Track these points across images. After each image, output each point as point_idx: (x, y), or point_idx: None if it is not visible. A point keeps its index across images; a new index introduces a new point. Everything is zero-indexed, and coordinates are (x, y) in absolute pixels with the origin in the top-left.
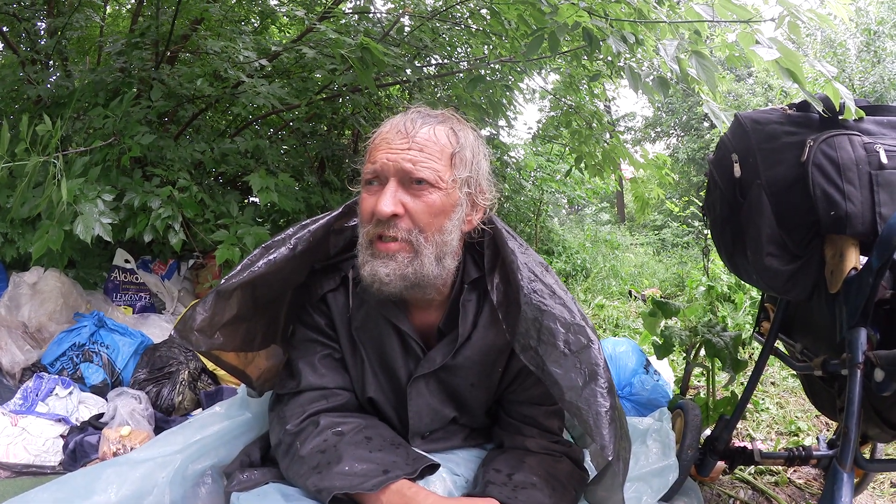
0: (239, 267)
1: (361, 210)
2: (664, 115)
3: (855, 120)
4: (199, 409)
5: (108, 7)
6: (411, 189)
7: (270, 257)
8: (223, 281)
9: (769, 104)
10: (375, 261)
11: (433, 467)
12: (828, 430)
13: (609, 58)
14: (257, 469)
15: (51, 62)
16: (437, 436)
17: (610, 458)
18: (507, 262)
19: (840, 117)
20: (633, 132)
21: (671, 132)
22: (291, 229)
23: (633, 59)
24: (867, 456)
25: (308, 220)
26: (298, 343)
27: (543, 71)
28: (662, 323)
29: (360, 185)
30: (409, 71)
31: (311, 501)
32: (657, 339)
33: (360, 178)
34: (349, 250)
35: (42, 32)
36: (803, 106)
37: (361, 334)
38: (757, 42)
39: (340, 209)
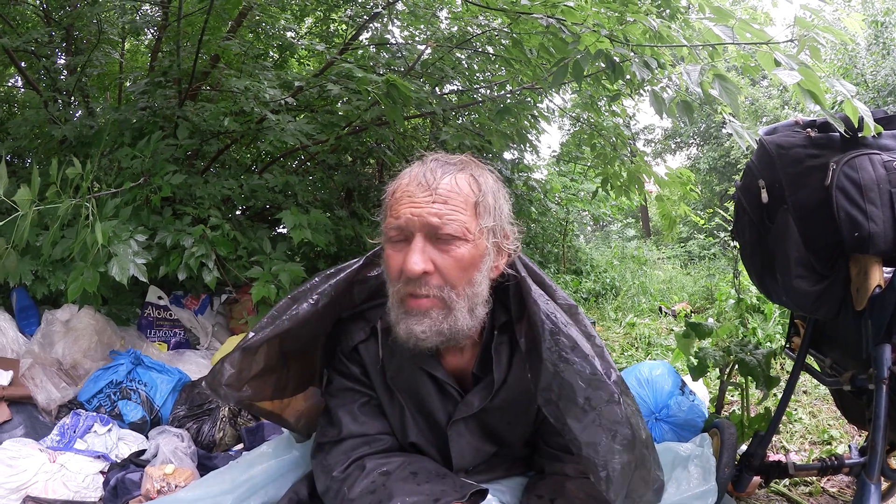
0: (266, 319)
1: (388, 267)
2: (683, 125)
3: (874, 135)
4: (241, 445)
5: (126, 43)
6: (439, 244)
7: (294, 311)
8: (251, 335)
9: (785, 106)
10: (410, 319)
11: (482, 493)
12: (860, 437)
13: (628, 76)
14: None
15: (72, 99)
16: (481, 469)
17: None
18: (531, 314)
19: (859, 134)
20: (653, 144)
21: (691, 142)
22: (317, 279)
23: (654, 82)
24: None
25: (332, 271)
26: (336, 392)
27: (562, 90)
28: (696, 343)
29: (380, 235)
30: (432, 102)
31: None
32: (692, 360)
33: (382, 230)
34: (374, 298)
35: (61, 69)
36: (824, 126)
37: (397, 382)
38: (778, 63)
39: (362, 261)
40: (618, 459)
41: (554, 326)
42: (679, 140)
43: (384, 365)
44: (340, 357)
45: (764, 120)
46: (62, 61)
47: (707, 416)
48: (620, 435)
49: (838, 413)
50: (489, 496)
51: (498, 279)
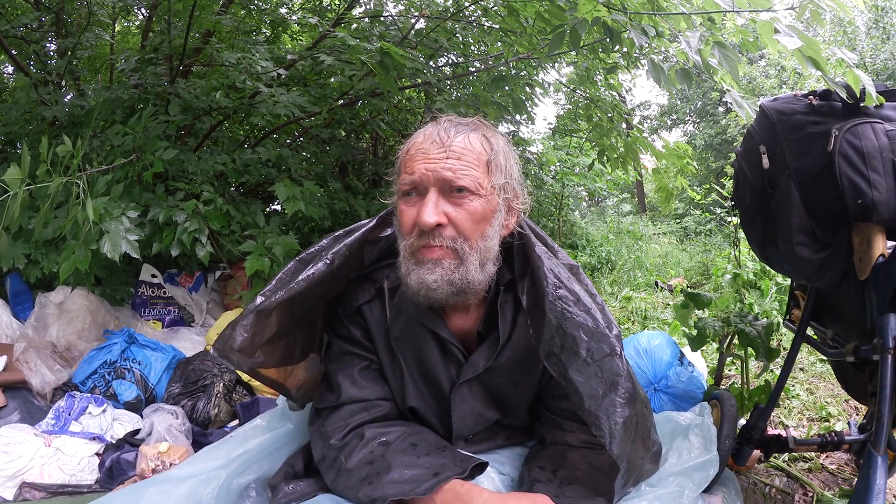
0: (275, 282)
1: (401, 222)
2: (679, 103)
3: (875, 106)
4: (236, 421)
5: (116, 25)
6: (452, 198)
7: (308, 273)
8: (262, 299)
9: (783, 86)
10: (421, 268)
11: (481, 466)
12: (857, 415)
13: (625, 48)
14: (302, 480)
15: (63, 82)
16: (480, 437)
17: (619, 467)
18: (534, 269)
19: (861, 104)
20: (649, 121)
21: (687, 119)
22: (325, 241)
23: (652, 51)
24: None
25: (342, 232)
26: (335, 356)
27: (557, 64)
28: (694, 314)
29: (393, 195)
30: (426, 72)
31: None
32: (690, 331)
33: (395, 189)
34: (382, 259)
35: (52, 53)
36: (826, 95)
37: (400, 344)
38: (777, 31)
39: (375, 220)
40: (619, 413)
41: (557, 280)
42: (675, 117)
43: (389, 325)
44: (342, 319)
45: (761, 99)
46: (52, 46)
47: (706, 387)
48: (622, 388)
49: (836, 390)
50: (488, 468)
51: (506, 239)
